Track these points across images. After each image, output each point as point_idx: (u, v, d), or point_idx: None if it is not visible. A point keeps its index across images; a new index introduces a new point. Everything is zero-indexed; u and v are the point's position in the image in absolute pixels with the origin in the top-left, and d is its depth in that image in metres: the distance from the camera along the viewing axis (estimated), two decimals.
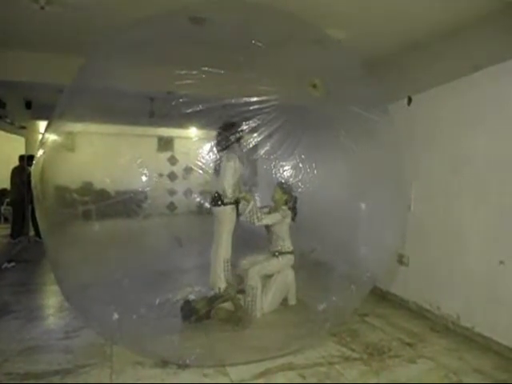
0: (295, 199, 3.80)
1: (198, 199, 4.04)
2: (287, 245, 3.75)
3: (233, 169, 3.32)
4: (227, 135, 3.13)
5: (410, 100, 4.01)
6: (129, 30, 3.01)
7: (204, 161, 3.65)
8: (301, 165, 3.12)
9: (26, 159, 6.89)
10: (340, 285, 3.49)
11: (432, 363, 2.96)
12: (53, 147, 3.72)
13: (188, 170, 3.65)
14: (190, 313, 3.43)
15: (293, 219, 3.80)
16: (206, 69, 2.54)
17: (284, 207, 3.72)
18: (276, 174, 3.24)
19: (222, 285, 3.46)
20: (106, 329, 3.13)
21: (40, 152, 2.96)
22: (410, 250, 4.09)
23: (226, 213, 3.44)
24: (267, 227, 3.78)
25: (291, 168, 3.18)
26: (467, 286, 3.45)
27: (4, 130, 5.32)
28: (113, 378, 2.65)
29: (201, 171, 3.63)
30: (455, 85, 3.55)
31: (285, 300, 3.85)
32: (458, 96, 3.53)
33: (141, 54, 3.02)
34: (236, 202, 3.45)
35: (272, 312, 3.68)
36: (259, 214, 3.51)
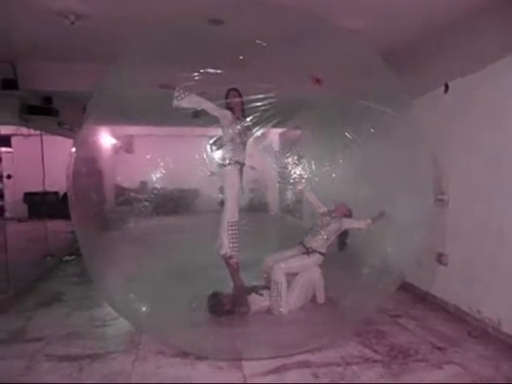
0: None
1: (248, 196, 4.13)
2: (325, 246, 3.72)
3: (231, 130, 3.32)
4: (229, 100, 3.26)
5: (446, 87, 3.73)
6: (152, 33, 3.16)
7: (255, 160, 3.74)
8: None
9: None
10: (364, 281, 3.40)
11: (460, 369, 2.76)
12: (112, 149, 4.05)
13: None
14: (216, 306, 3.55)
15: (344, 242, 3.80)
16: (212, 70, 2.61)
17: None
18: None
19: (224, 250, 3.48)
20: (136, 319, 3.34)
21: (73, 154, 3.18)
22: (449, 249, 3.82)
23: (228, 175, 3.41)
24: (321, 223, 3.76)
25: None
26: (510, 289, 3.14)
27: (63, 135, 5.85)
28: (135, 365, 2.84)
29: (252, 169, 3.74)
30: (495, 67, 3.23)
31: (314, 297, 3.81)
32: (499, 80, 3.21)
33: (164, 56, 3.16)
34: (237, 163, 3.40)
35: (298, 309, 3.66)
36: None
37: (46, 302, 4.19)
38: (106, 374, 2.74)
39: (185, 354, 2.96)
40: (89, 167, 3.29)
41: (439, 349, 3.07)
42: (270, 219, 6.31)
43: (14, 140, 8.52)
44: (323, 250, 3.68)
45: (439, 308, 3.89)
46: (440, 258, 3.89)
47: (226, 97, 3.37)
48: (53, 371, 2.78)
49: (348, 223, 3.70)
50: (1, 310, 3.87)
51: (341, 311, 3.54)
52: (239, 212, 3.57)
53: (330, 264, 3.71)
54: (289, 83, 2.69)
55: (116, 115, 3.25)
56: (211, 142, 3.15)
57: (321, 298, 3.79)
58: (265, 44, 2.53)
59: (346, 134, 2.88)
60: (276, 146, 5.56)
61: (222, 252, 3.53)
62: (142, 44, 2.89)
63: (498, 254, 3.26)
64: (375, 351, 3.03)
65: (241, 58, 2.56)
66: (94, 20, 3.33)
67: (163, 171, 4.07)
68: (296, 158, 3.43)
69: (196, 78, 2.71)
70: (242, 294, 3.62)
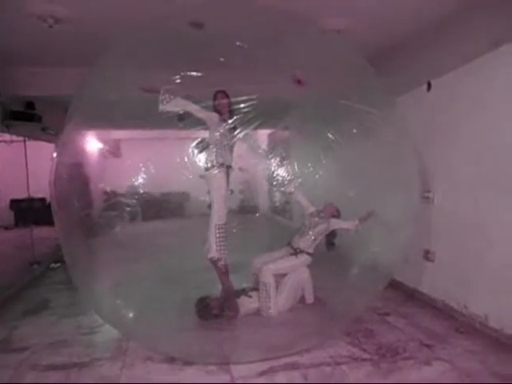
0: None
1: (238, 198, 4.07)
2: (312, 246, 3.71)
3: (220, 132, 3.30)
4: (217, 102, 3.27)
5: (429, 86, 3.76)
6: (132, 35, 3.12)
7: (244, 161, 3.72)
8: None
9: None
10: (352, 280, 3.41)
11: (448, 366, 2.77)
12: (100, 154, 4.01)
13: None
14: (204, 311, 3.53)
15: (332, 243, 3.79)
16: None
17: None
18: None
19: (212, 254, 3.45)
20: (123, 326, 3.30)
21: (54, 159, 3.12)
22: (435, 246, 3.85)
23: (214, 178, 3.37)
24: (309, 223, 3.76)
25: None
26: (496, 284, 3.18)
27: (48, 141, 5.76)
28: (122, 372, 2.80)
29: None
30: (476, 64, 3.27)
31: (303, 298, 3.81)
32: (480, 77, 3.25)
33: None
34: (224, 166, 3.37)
35: (287, 311, 3.66)
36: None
37: (33, 310, 4.12)
38: (94, 380, 2.70)
39: (173, 360, 2.93)
40: (71, 172, 3.23)
41: (427, 346, 3.08)
42: (260, 220, 6.29)
43: None
44: (311, 251, 3.68)
45: (427, 305, 3.91)
46: (427, 255, 3.92)
47: (214, 99, 3.36)
48: (39, 381, 2.73)
49: (336, 224, 3.71)
50: None
51: (330, 311, 3.55)
52: (228, 214, 3.55)
53: (318, 264, 3.71)
54: (272, 84, 2.68)
55: (97, 118, 3.20)
56: (194, 144, 3.12)
57: (309, 299, 3.78)
58: (245, 46, 2.51)
59: (329, 134, 2.88)
60: (265, 147, 5.55)
61: (210, 255, 3.50)
62: (122, 46, 2.86)
63: (482, 250, 3.30)
64: (364, 350, 3.03)
65: (221, 59, 2.54)
66: (74, 23, 3.28)
67: (151, 175, 4.04)
68: (280, 158, 3.42)
69: (177, 80, 2.68)
70: (230, 296, 3.60)
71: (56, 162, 3.05)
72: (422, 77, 3.84)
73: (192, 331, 3.30)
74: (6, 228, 8.87)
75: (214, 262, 3.52)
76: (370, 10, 3.48)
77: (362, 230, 3.50)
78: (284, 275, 3.71)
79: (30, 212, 7.84)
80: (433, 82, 3.73)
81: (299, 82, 2.67)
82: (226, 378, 2.69)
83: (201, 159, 3.25)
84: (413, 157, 3.13)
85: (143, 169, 3.87)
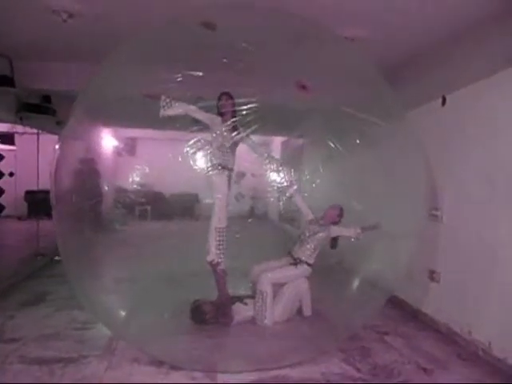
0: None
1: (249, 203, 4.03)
2: (312, 256, 3.62)
3: (221, 134, 3.27)
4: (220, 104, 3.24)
5: (444, 100, 3.64)
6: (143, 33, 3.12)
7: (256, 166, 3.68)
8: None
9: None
10: (350, 294, 3.31)
11: None
12: (114, 152, 4.03)
13: (240, 175, 3.69)
14: (198, 315, 3.47)
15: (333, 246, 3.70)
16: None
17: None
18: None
19: (211, 257, 3.41)
20: (113, 324, 3.26)
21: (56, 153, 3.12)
22: (441, 266, 3.70)
23: (215, 180, 3.35)
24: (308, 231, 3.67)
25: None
26: (503, 310, 3.01)
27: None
28: (107, 371, 2.76)
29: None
30: (491, 81, 3.14)
31: (301, 310, 3.71)
32: (495, 94, 3.12)
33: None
34: (224, 168, 3.34)
35: (283, 322, 3.56)
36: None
37: (31, 301, 4.15)
38: (77, 378, 2.66)
39: (160, 363, 2.88)
40: (73, 166, 3.24)
41: (424, 370, 2.95)
42: (267, 227, 6.21)
43: (17, 138, 8.61)
44: (311, 261, 3.58)
45: (430, 327, 3.75)
46: (432, 275, 3.76)
47: (218, 100, 3.33)
48: (24, 373, 2.71)
49: (336, 231, 3.59)
50: None
51: (326, 325, 3.44)
52: (236, 219, 3.52)
53: (318, 274, 3.62)
54: (277, 89, 2.63)
55: (100, 115, 3.21)
56: (189, 144, 3.09)
57: (307, 311, 3.69)
58: (252, 49, 2.47)
59: (332, 144, 2.81)
60: (277, 154, 5.50)
61: (209, 258, 3.46)
62: (128, 45, 2.85)
63: (490, 274, 3.14)
64: (357, 369, 2.92)
65: (224, 60, 2.50)
66: (88, 18, 3.31)
67: (161, 175, 4.02)
68: (278, 164, 3.35)
69: (178, 79, 2.66)
70: (226, 303, 3.53)
71: (57, 155, 3.05)
72: (435, 91, 3.72)
73: (183, 335, 3.24)
74: (19, 218, 9.03)
75: (212, 266, 3.47)
76: (386, 21, 3.41)
77: (363, 242, 3.39)
78: (282, 285, 3.62)
79: (43, 204, 7.95)
80: (448, 97, 3.61)
81: (304, 87, 2.61)
82: None
83: (200, 161, 3.22)
84: (420, 170, 3.02)
85: (154, 168, 3.86)
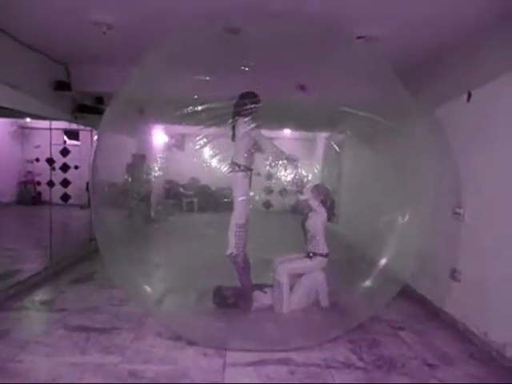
0: (333, 201, 3.83)
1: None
2: (321, 246, 3.75)
3: (247, 136, 3.45)
4: (245, 103, 3.35)
5: (469, 96, 3.55)
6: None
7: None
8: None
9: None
10: (363, 285, 3.41)
11: None
12: (166, 147, 4.47)
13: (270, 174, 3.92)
14: (220, 299, 3.76)
15: (329, 219, 3.79)
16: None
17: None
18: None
19: (230, 251, 3.61)
20: (146, 303, 3.64)
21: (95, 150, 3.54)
22: (463, 265, 3.63)
23: (238, 179, 3.56)
24: (304, 226, 3.83)
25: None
26: None
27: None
28: (132, 342, 3.14)
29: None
30: None
31: (318, 301, 3.85)
32: None
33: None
34: (248, 169, 3.55)
35: (299, 311, 3.73)
36: None
37: (80, 280, 4.71)
38: (107, 346, 3.07)
39: (178, 338, 3.21)
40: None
41: (429, 365, 2.98)
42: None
43: (81, 134, 9.53)
44: (324, 252, 3.70)
45: (450, 326, 3.70)
46: (453, 274, 3.71)
47: (241, 98, 3.45)
48: (65, 338, 3.18)
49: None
50: (41, 284, 4.44)
51: (339, 314, 3.57)
52: (278, 213, 3.70)
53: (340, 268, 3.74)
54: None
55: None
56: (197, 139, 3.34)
57: (324, 302, 3.81)
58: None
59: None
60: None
61: (228, 252, 3.68)
62: (160, 51, 3.18)
63: (509, 275, 3.07)
64: (361, 359, 3.03)
65: (246, 68, 2.68)
66: (125, 29, 3.70)
67: (208, 169, 4.30)
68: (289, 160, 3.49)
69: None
70: (247, 291, 3.77)
71: (95, 149, 3.46)
72: (459, 88, 3.64)
73: (204, 316, 3.54)
74: (82, 207, 9.99)
75: (232, 258, 3.70)
76: (407, 19, 3.40)
77: (377, 237, 3.47)
78: (301, 275, 3.80)
79: None
80: (472, 93, 3.53)
81: (302, 87, 2.74)
82: (219, 362, 2.89)
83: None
84: (431, 169, 3.03)
85: (202, 163, 4.13)
